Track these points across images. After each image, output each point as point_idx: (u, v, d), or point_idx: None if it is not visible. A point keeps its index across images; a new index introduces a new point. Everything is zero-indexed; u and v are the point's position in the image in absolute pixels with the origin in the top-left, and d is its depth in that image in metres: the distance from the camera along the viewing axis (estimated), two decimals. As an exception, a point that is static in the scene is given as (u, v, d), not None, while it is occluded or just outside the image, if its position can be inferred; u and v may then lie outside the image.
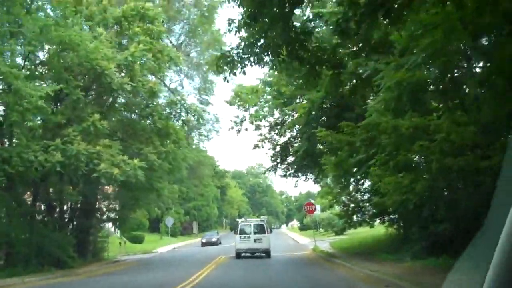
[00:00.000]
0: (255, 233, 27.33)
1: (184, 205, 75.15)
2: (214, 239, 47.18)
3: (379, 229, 25.84)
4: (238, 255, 27.26)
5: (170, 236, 64.72)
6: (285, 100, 24.98)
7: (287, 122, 25.24)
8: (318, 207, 40.59)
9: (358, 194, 25.59)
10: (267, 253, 27.19)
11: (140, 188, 26.96)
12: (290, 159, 26.59)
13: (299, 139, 24.25)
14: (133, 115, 28.81)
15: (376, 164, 15.89)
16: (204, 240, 48.05)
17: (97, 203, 30.51)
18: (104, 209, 31.65)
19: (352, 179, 25.34)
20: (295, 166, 26.11)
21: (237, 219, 38.22)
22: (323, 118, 21.93)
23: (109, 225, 48.88)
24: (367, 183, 27.27)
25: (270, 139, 26.11)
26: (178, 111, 27.61)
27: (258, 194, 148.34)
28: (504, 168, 2.38)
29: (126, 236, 54.24)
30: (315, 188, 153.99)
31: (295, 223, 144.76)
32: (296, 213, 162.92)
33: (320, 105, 21.42)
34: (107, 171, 21.67)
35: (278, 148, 26.71)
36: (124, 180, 22.86)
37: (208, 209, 79.92)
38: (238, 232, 27.76)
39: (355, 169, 20.60)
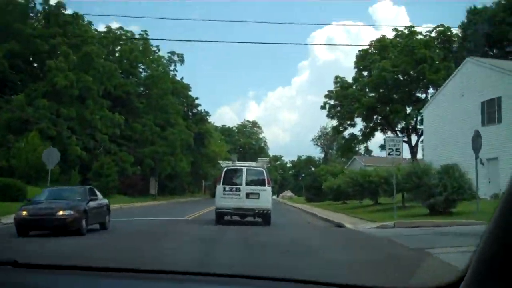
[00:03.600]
0: (248, 183, 18.14)
1: (134, 150, 48.96)
2: (61, 213, 13.75)
3: None
4: (220, 217, 18.14)
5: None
6: None
7: None
8: None
9: None
10: (265, 218, 18.01)
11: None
12: None
13: None
14: None
15: None
16: (23, 213, 13.91)
17: None
18: None
19: None
20: None
21: (220, 161, 24.46)
22: None
23: None
24: None
25: None
26: None
27: (248, 156, 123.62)
28: None
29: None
30: (317, 153, 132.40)
31: (288, 193, 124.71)
32: (292, 182, 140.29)
33: None
34: None
35: None
36: None
37: (173, 160, 53.46)
38: (222, 181, 18.25)
39: None
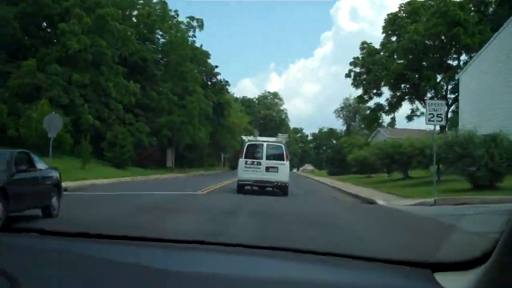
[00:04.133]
0: (268, 158, 19.52)
1: (151, 120, 47.17)
2: None
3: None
4: (241, 188, 19.74)
5: (110, 166, 37.13)
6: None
7: None
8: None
9: None
10: (282, 189, 19.30)
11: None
12: None
13: None
14: None
15: None
16: None
17: None
18: None
19: None
20: None
21: (243, 137, 25.27)
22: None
23: None
24: None
25: None
26: None
27: (269, 128, 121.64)
28: None
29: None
30: (338, 126, 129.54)
31: (309, 167, 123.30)
32: (313, 155, 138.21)
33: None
34: None
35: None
36: None
37: (191, 129, 51.51)
38: (244, 155, 19.74)
39: None
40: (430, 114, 16.19)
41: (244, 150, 19.98)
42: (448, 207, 13.42)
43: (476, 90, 28.00)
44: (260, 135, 27.20)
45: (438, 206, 14.00)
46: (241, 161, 19.74)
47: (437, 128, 36.08)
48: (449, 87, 45.72)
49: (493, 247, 1.21)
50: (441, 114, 16.16)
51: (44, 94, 35.63)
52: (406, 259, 1.63)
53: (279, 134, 25.94)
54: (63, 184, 19.19)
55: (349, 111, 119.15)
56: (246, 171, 19.54)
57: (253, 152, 19.95)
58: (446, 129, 41.59)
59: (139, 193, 18.48)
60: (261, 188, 19.73)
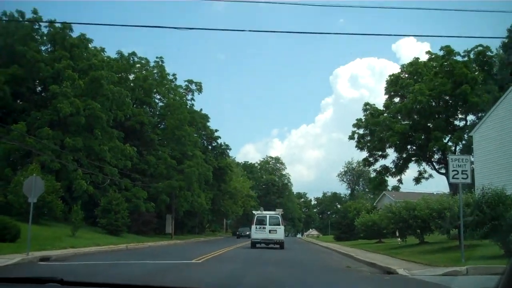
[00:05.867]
0: (270, 224, 29.51)
1: (148, 185, 45.20)
2: None
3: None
4: (253, 244, 29.58)
5: (105, 233, 34.88)
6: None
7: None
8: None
9: None
10: (280, 244, 29.22)
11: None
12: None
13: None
14: None
15: None
16: None
17: None
18: None
19: None
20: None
21: (253, 211, 35.04)
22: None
23: None
24: None
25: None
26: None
27: (272, 194, 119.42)
28: None
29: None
30: (342, 190, 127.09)
31: (313, 232, 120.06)
32: (318, 220, 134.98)
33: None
34: None
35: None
36: None
37: (190, 195, 49.34)
38: (255, 222, 29.86)
39: None
40: (454, 170, 14.25)
41: (255, 220, 29.96)
42: (487, 278, 11.26)
43: (491, 147, 26.27)
44: (263, 205, 37.23)
45: (471, 276, 11.85)
46: (253, 227, 29.89)
47: (447, 190, 33.96)
48: (459, 148, 44.06)
49: (497, 285, 1.24)
50: (466, 171, 14.21)
51: (34, 159, 34.01)
52: None
53: (276, 209, 35.61)
54: (46, 253, 17.05)
55: (352, 174, 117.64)
56: (256, 233, 29.44)
57: (260, 221, 29.79)
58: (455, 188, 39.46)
59: (123, 262, 16.18)
60: (266, 244, 29.19)
